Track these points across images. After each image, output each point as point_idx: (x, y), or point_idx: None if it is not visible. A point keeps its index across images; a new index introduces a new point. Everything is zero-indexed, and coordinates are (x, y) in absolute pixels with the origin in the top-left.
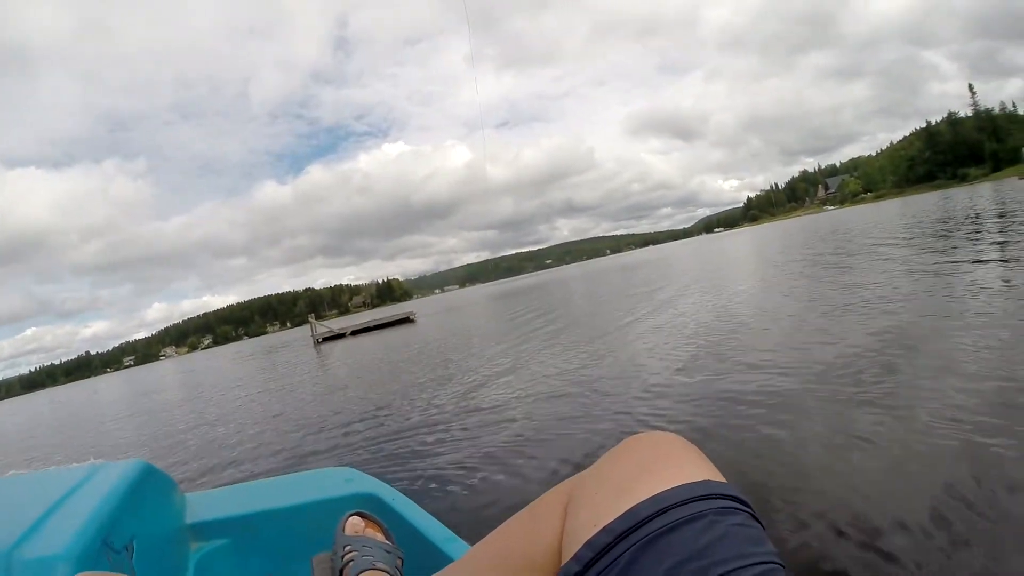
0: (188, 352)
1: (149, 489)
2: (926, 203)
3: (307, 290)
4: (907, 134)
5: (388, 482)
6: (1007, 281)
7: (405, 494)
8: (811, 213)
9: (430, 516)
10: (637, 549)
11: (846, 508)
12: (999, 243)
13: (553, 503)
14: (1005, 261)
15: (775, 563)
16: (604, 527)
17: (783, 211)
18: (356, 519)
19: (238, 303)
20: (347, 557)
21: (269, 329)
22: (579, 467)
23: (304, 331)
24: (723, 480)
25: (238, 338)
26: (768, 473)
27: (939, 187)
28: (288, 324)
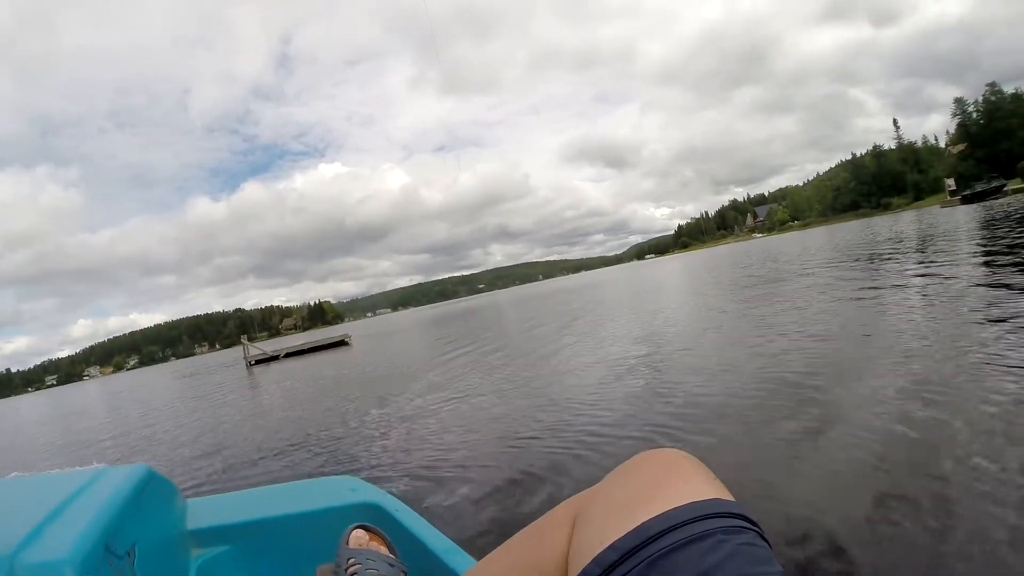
0: (113, 372)
1: (152, 494)
2: (851, 230)
3: (237, 311)
4: (833, 165)
5: (393, 493)
6: (925, 296)
7: (409, 505)
8: (740, 241)
9: (434, 529)
10: (645, 567)
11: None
12: (920, 263)
13: (561, 518)
14: (923, 274)
15: None
16: (612, 544)
17: (713, 238)
18: (360, 532)
19: (166, 322)
20: (351, 570)
21: (197, 350)
22: (528, 483)
23: (234, 353)
24: (731, 498)
25: (165, 359)
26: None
27: (863, 215)
28: (217, 345)
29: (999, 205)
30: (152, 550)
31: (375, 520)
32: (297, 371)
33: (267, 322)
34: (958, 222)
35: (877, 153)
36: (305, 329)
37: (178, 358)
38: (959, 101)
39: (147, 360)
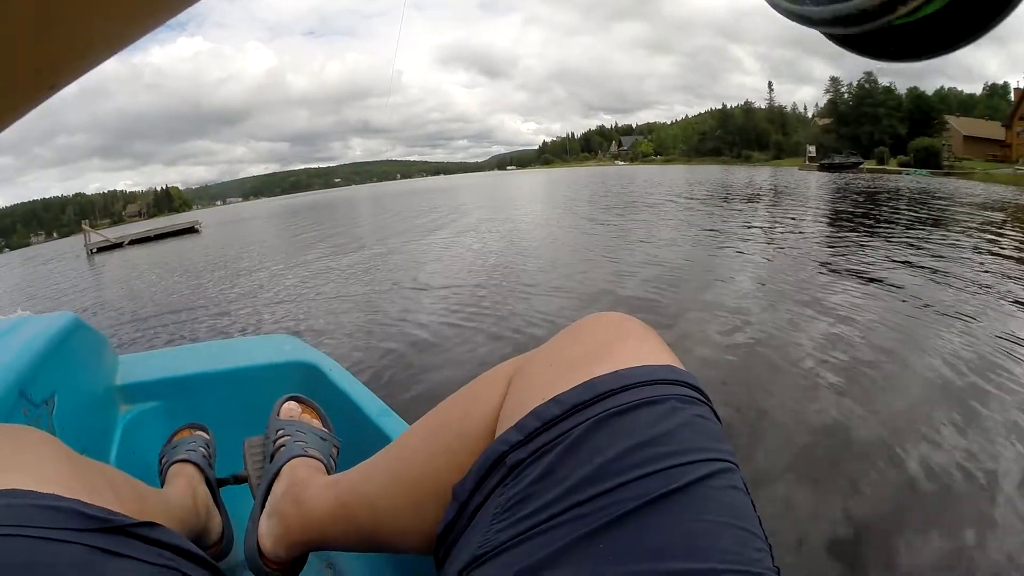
0: None
1: (77, 343)
2: (712, 172)
3: (77, 195)
4: (702, 111)
5: (328, 353)
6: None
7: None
8: (603, 165)
9: (368, 390)
10: (591, 424)
11: None
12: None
13: (496, 378)
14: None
15: (733, 463)
16: (555, 397)
17: (576, 159)
18: (292, 404)
19: None
20: (279, 442)
21: (34, 240)
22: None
23: (73, 242)
24: (685, 369)
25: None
26: None
27: (724, 162)
28: (55, 234)
29: (853, 178)
30: (75, 401)
31: (308, 379)
32: (146, 259)
33: (109, 209)
34: (815, 183)
35: (747, 108)
36: (151, 216)
37: (12, 249)
38: (835, 80)
39: None
